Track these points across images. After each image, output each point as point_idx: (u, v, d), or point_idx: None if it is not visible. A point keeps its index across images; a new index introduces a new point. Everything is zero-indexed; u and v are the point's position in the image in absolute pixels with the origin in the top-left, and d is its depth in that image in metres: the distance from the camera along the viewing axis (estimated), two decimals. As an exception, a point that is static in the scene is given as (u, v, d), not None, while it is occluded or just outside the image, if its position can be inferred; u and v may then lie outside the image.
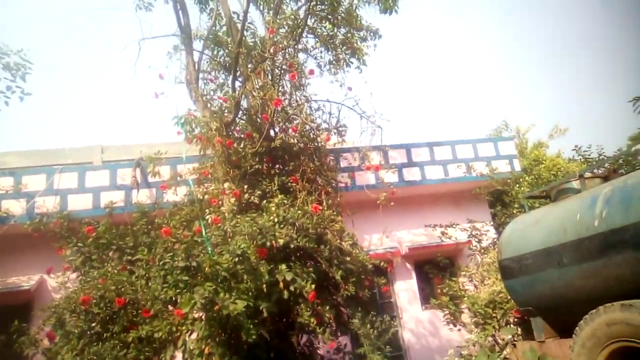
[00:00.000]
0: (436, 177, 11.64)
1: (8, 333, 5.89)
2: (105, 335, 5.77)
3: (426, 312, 11.21)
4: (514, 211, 8.56)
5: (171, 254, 5.42)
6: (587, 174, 5.79)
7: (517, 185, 9.13)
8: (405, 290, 11.41)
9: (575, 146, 9.19)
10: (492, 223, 11.10)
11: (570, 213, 5.23)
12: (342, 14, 7.81)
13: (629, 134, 15.30)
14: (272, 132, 7.82)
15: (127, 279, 6.03)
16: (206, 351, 5.04)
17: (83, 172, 9.74)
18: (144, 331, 5.35)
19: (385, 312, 10.82)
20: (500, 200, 10.97)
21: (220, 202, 7.11)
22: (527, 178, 9.28)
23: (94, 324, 5.79)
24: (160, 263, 5.81)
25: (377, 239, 11.18)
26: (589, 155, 9.65)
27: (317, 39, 8.06)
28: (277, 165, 7.51)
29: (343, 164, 9.36)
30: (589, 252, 4.78)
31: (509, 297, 6.63)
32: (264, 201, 7.03)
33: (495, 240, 8.81)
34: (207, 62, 8.41)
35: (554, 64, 40.56)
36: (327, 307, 5.71)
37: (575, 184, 5.79)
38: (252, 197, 7.06)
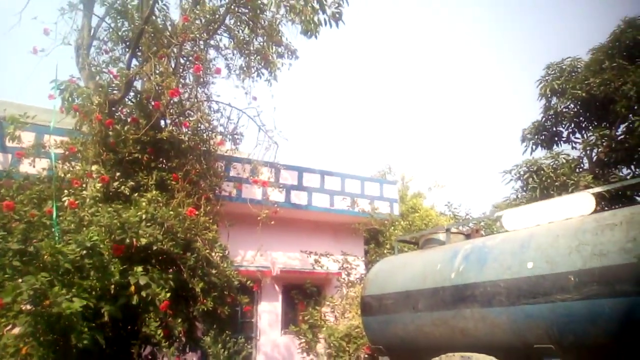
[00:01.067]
0: (321, 205, 11.83)
1: None
2: None
3: (284, 337, 11.12)
4: (385, 251, 8.95)
5: (6, 233, 4.62)
6: (453, 229, 6.21)
7: (392, 228, 9.61)
8: (268, 312, 11.24)
9: (447, 202, 10.01)
10: (363, 259, 11.51)
11: (432, 262, 5.53)
12: (263, 23, 7.64)
13: (496, 199, 17.18)
14: (162, 123, 7.28)
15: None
16: (23, 351, 4.30)
17: None
18: (-53, 317, 4.42)
19: (244, 332, 10.51)
20: (375, 239, 11.44)
21: (83, 185, 6.35)
22: (402, 222, 9.82)
23: None
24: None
25: (250, 255, 10.93)
26: (458, 212, 10.57)
27: (232, 40, 7.77)
28: (160, 159, 6.96)
29: (231, 173, 9.02)
30: (442, 302, 5.06)
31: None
32: (136, 194, 6.44)
33: (362, 275, 9.09)
34: (105, 30, 7.63)
35: (447, 123, 44.58)
36: (179, 320, 5.28)
37: (442, 236, 6.17)
38: (123, 187, 6.41)
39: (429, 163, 39.42)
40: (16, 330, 4.80)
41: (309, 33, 7.78)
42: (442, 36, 44.85)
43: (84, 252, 4.69)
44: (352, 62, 44.05)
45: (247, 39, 7.66)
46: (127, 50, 7.54)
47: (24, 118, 7.05)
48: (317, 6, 7.19)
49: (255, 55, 8.09)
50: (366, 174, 17.03)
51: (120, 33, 7.43)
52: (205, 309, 5.50)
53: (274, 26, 8.55)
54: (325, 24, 7.53)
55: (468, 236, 6.12)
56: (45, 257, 4.60)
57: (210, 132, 7.49)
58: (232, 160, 8.34)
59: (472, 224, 7.31)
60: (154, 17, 7.68)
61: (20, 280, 4.55)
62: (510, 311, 4.48)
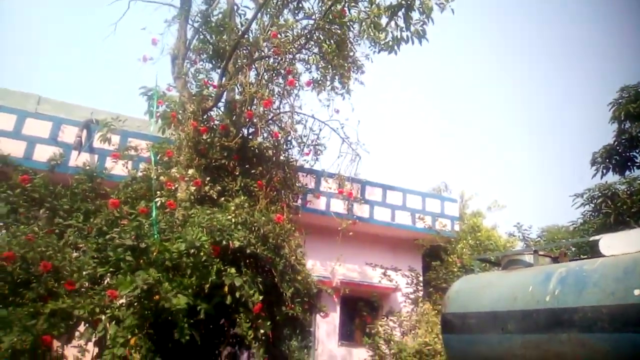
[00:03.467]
0: (383, 219, 11.83)
1: None
2: (12, 299, 5.04)
3: (342, 349, 11.12)
4: (456, 270, 8.84)
5: (118, 229, 4.92)
6: (541, 252, 6.07)
7: (460, 246, 9.48)
8: (326, 322, 11.26)
9: (517, 223, 9.83)
10: (421, 275, 11.37)
11: (522, 283, 5.43)
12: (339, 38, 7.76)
13: (556, 222, 16.56)
14: (245, 132, 7.56)
15: (56, 244, 5.37)
16: (132, 342, 4.54)
17: (23, 117, 8.80)
18: (64, 304, 4.72)
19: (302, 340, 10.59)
20: (436, 256, 11.31)
21: (175, 188, 6.66)
22: (470, 241, 9.67)
23: (3, 284, 5.05)
24: (102, 237, 5.30)
25: (310, 264, 11.06)
26: (529, 234, 10.35)
27: (318, 54, 7.94)
28: (244, 166, 7.20)
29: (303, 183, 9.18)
30: (535, 325, 4.95)
31: (437, 350, 6.71)
32: (222, 198, 6.70)
33: (429, 291, 9.01)
34: (196, 42, 8.01)
35: (508, 141, 43.35)
36: (268, 323, 5.41)
37: (527, 258, 6.05)
38: (212, 191, 6.68)
39: (488, 182, 38.42)
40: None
41: (389, 50, 7.90)
42: (511, 51, 43.73)
43: (191, 251, 4.91)
44: (411, 74, 43.73)
45: (332, 53, 7.81)
46: (216, 61, 7.90)
47: (115, 120, 7.51)
48: (401, 24, 7.29)
49: (334, 69, 8.23)
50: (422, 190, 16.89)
51: (212, 44, 7.79)
52: (292, 314, 5.62)
53: (344, 41, 8.69)
54: (407, 41, 7.61)
55: (555, 259, 5.98)
56: (154, 253, 4.86)
57: (290, 143, 7.71)
58: (308, 171, 8.47)
59: (556, 248, 7.12)
60: (237, 30, 8.04)
61: (128, 274, 4.83)
62: (614, 338, 4.34)
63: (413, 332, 7.85)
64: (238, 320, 5.35)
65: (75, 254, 5.65)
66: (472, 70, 43.89)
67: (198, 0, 7.82)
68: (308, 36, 7.27)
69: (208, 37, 8.15)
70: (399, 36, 7.58)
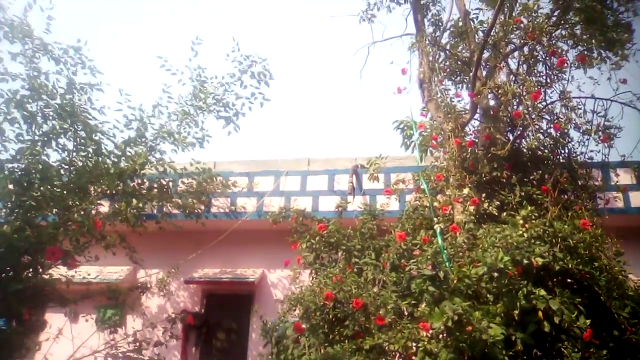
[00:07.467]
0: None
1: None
2: (332, 337, 5.57)
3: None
4: None
5: (415, 260, 4.94)
6: None
7: None
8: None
9: None
10: None
11: None
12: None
13: None
14: (511, 135, 6.86)
15: (358, 282, 5.78)
16: (454, 377, 4.34)
17: (305, 176, 10.21)
18: (380, 340, 4.94)
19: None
20: None
21: (450, 211, 6.43)
22: None
23: (323, 323, 5.66)
24: (396, 270, 5.44)
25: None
26: None
27: (580, 22, 6.67)
28: (518, 173, 6.49)
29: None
30: None
31: None
32: (504, 213, 6.13)
33: None
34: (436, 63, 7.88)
35: None
36: (604, 352, 4.47)
37: None
38: (490, 207, 6.19)
39: None
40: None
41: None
42: None
43: (493, 274, 4.54)
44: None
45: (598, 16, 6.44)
46: (460, 74, 7.59)
47: (379, 159, 7.88)
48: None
49: (602, 35, 6.76)
50: None
51: (454, 58, 7.54)
52: (635, 338, 4.52)
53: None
54: None
55: None
56: (454, 281, 4.66)
57: (568, 135, 6.60)
58: (603, 164, 6.98)
59: None
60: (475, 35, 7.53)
61: (433, 305, 4.73)
62: None
63: None
64: (563, 350, 4.59)
65: (374, 289, 5.98)
66: None
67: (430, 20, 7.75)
68: (563, 4, 6.16)
69: (443, 53, 7.92)
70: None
